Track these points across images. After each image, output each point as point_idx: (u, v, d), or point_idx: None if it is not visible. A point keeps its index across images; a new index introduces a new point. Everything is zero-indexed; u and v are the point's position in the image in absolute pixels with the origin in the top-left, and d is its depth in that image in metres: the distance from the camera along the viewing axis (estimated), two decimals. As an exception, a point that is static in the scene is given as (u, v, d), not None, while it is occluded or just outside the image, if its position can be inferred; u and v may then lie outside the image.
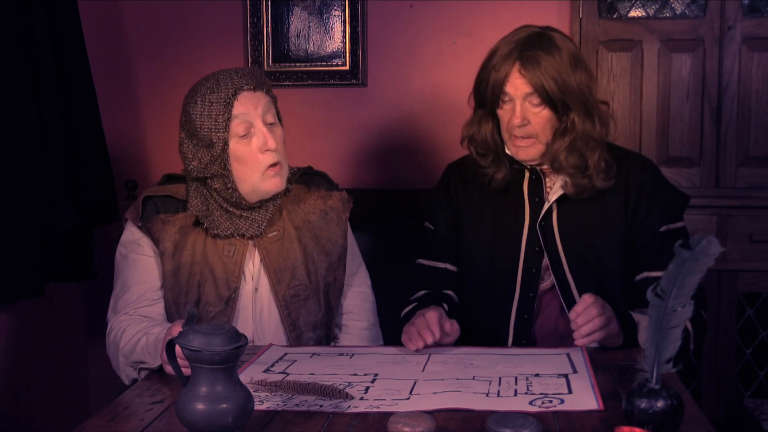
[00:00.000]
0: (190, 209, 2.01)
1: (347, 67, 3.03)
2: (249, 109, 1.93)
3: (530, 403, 1.51)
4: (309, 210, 2.09)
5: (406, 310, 2.07)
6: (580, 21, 2.85)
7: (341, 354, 1.89)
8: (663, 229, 2.01)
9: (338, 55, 3.03)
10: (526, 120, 1.98)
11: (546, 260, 2.04)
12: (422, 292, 2.10)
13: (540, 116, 1.99)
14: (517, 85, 1.97)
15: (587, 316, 1.75)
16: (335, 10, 3.02)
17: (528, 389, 1.58)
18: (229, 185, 1.95)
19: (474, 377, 1.66)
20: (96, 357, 3.10)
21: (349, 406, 1.52)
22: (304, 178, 2.13)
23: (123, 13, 3.12)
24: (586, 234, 2.03)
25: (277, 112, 2.01)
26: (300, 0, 3.03)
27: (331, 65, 3.04)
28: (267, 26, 3.04)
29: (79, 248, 2.77)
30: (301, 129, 2.99)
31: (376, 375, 1.70)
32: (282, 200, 2.05)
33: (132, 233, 2.01)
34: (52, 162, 2.64)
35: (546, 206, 2.05)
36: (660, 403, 1.34)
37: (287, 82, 3.05)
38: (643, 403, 1.35)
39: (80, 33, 2.76)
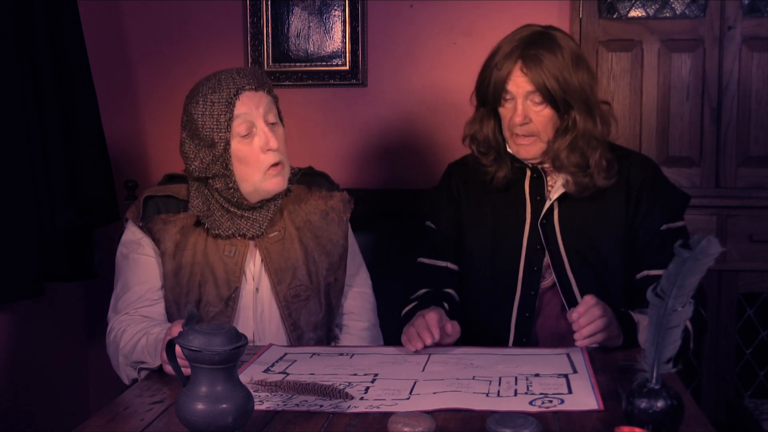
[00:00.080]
0: (191, 209, 2.01)
1: (347, 67, 3.03)
2: (251, 109, 1.93)
3: (530, 403, 1.51)
4: (310, 210, 2.09)
5: (407, 309, 2.07)
6: (580, 21, 2.85)
7: (341, 354, 1.89)
8: (663, 227, 2.02)
9: (338, 55, 3.03)
10: (528, 118, 1.99)
11: (547, 258, 2.04)
12: (423, 291, 2.10)
13: (541, 115, 1.99)
14: (518, 83, 1.97)
15: (590, 317, 1.75)
16: (335, 10, 3.02)
17: (528, 389, 1.58)
18: (230, 185, 1.95)
19: (474, 377, 1.66)
20: (96, 357, 3.10)
21: (349, 406, 1.52)
22: (305, 179, 2.14)
23: (123, 13, 3.12)
24: (588, 232, 2.04)
25: (279, 112, 2.01)
26: (300, 0, 3.03)
27: (331, 65, 3.04)
28: (267, 26, 3.04)
29: (79, 248, 2.77)
30: (301, 129, 2.99)
31: (376, 375, 1.70)
32: (283, 200, 2.05)
33: (133, 233, 2.01)
34: (52, 162, 2.64)
35: (547, 204, 2.06)
36: (660, 403, 1.34)
37: (287, 82, 3.05)
38: (643, 403, 1.35)
39: (80, 33, 2.76)
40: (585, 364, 1.73)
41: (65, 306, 3.05)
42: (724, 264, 2.79)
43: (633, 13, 2.87)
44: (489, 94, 2.02)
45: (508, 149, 2.07)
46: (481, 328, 2.07)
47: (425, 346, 1.84)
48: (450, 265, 2.13)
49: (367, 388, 1.61)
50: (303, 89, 3.06)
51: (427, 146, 3.03)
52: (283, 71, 3.05)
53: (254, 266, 2.02)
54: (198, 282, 1.97)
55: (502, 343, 2.04)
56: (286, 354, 1.87)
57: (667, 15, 2.85)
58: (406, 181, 3.04)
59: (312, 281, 2.05)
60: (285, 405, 1.54)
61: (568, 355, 1.81)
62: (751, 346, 2.85)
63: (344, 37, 3.02)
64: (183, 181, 2.06)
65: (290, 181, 2.02)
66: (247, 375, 1.69)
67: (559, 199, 2.05)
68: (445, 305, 2.01)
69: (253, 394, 1.41)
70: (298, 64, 3.05)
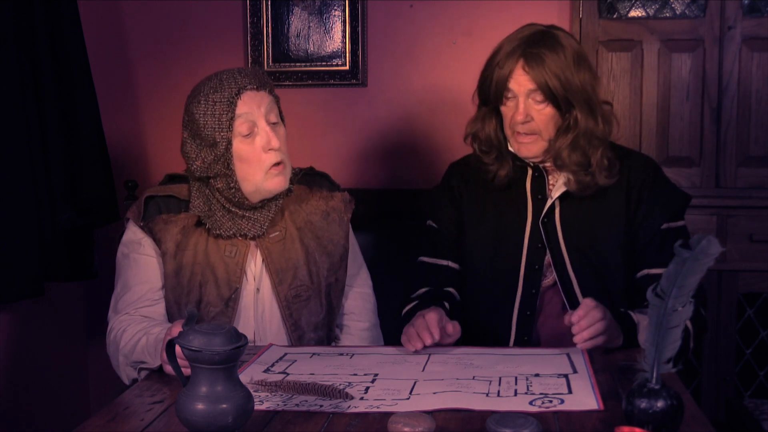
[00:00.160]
0: (192, 209, 2.01)
1: (347, 67, 3.03)
2: (252, 109, 1.93)
3: (530, 403, 1.51)
4: (311, 210, 2.09)
5: (407, 308, 2.07)
6: (580, 21, 2.85)
7: (341, 354, 1.89)
8: (664, 227, 2.02)
9: (338, 55, 3.03)
10: (529, 116, 1.99)
11: (548, 257, 2.05)
12: (423, 290, 2.11)
13: (543, 113, 1.99)
14: (520, 81, 1.97)
15: (590, 319, 1.75)
16: (335, 10, 3.02)
17: (528, 389, 1.58)
18: (232, 185, 1.95)
19: (474, 377, 1.66)
20: (96, 357, 3.10)
21: (349, 406, 1.52)
22: (306, 179, 2.14)
23: (123, 13, 3.12)
24: (589, 231, 2.04)
25: (280, 112, 2.01)
26: (300, 0, 3.03)
27: (331, 65, 3.04)
28: (267, 26, 3.04)
29: (79, 248, 2.77)
30: (301, 129, 2.99)
31: (376, 375, 1.70)
32: (284, 201, 2.05)
33: (134, 233, 2.01)
34: (52, 162, 2.64)
35: (549, 203, 2.06)
36: (660, 403, 1.34)
37: (287, 82, 3.05)
38: (643, 403, 1.35)
39: (80, 33, 2.76)
40: (585, 364, 1.73)
41: (65, 306, 3.05)
42: (724, 264, 2.79)
43: (633, 13, 2.87)
44: (491, 93, 2.02)
45: (510, 148, 2.07)
46: (482, 327, 2.07)
47: (425, 347, 1.84)
48: (451, 263, 2.13)
49: (367, 388, 1.61)
50: (303, 89, 3.06)
51: (427, 146, 3.03)
52: (283, 71, 3.05)
53: (255, 266, 2.02)
54: (199, 282, 1.97)
55: (504, 341, 2.04)
56: (286, 354, 1.87)
57: (667, 15, 2.85)
58: (406, 181, 3.04)
59: (313, 281, 2.05)
60: (285, 405, 1.54)
61: (568, 355, 1.81)
62: (751, 346, 2.85)
63: (344, 37, 3.02)
64: (184, 181, 2.06)
65: (291, 181, 2.02)
66: (247, 375, 1.69)
67: (561, 197, 2.06)
68: (446, 304, 2.01)
69: (253, 394, 1.41)
70: (298, 64, 3.05)
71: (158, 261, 1.99)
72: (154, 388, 1.68)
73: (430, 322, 1.84)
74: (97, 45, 3.01)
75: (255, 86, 1.94)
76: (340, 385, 1.62)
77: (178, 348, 1.46)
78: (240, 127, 1.92)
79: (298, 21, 3.04)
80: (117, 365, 1.94)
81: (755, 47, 2.80)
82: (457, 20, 2.99)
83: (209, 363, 1.30)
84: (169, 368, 1.70)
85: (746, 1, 2.80)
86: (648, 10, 2.86)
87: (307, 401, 1.55)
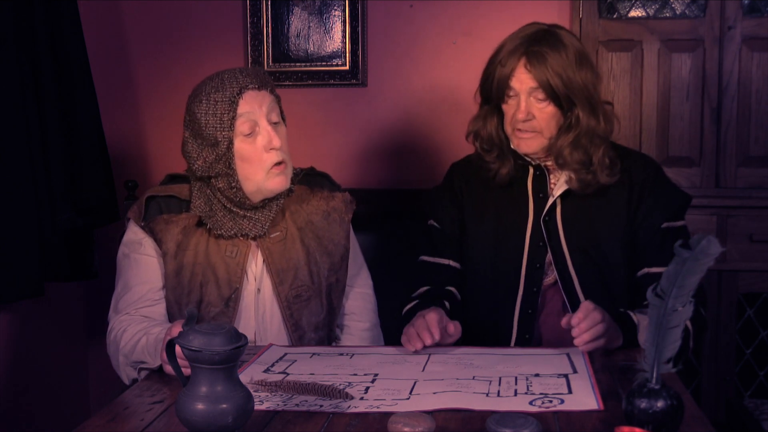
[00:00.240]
0: (193, 209, 2.01)
1: (347, 67, 3.03)
2: (254, 108, 1.93)
3: (530, 403, 1.51)
4: (312, 211, 2.09)
5: (408, 307, 2.08)
6: (580, 21, 2.85)
7: (341, 354, 1.89)
8: (664, 226, 2.02)
9: (338, 55, 3.03)
10: (531, 115, 1.99)
11: (549, 255, 2.05)
12: (424, 289, 2.11)
13: (544, 111, 2.00)
14: (522, 79, 1.98)
15: (590, 322, 1.75)
16: (335, 10, 3.02)
17: (528, 389, 1.58)
18: (233, 184, 1.95)
19: (474, 377, 1.66)
20: (96, 357, 3.10)
21: (349, 406, 1.52)
22: (307, 179, 2.14)
23: (123, 13, 3.12)
24: (590, 229, 2.04)
25: (281, 112, 2.01)
26: (300, 0, 3.03)
27: (331, 65, 3.04)
28: (267, 26, 3.04)
29: (79, 248, 2.77)
30: (301, 129, 2.99)
31: (376, 375, 1.70)
32: (285, 201, 2.05)
33: (134, 233, 2.01)
34: (52, 162, 2.63)
35: (550, 201, 2.06)
36: (660, 403, 1.34)
37: (287, 82, 3.05)
38: (643, 403, 1.35)
39: (80, 33, 2.76)
40: (585, 364, 1.73)
41: (65, 306, 3.05)
42: (724, 264, 2.79)
43: (633, 13, 2.87)
44: (493, 91, 2.03)
45: (512, 146, 2.08)
46: (483, 326, 2.07)
47: (425, 347, 1.84)
48: (452, 262, 2.13)
49: (367, 388, 1.61)
50: (303, 89, 3.06)
51: (427, 146, 3.03)
52: (283, 71, 3.05)
53: (256, 266, 2.02)
54: (199, 282, 1.97)
55: (505, 340, 2.04)
56: (286, 354, 1.87)
57: (667, 15, 2.85)
58: (406, 181, 3.04)
59: (313, 282, 2.05)
60: (285, 405, 1.54)
61: (568, 355, 1.81)
62: (751, 346, 2.85)
63: (344, 37, 3.02)
64: (185, 181, 2.06)
65: (292, 181, 2.02)
66: (247, 375, 1.69)
67: (562, 196, 2.06)
68: (446, 304, 2.01)
69: (253, 394, 1.41)
70: (298, 64, 3.05)
71: (159, 261, 1.99)
72: (154, 388, 1.68)
73: (431, 322, 1.85)
74: (97, 45, 3.01)
75: (256, 86, 1.94)
76: (340, 385, 1.62)
77: (178, 348, 1.46)
78: (241, 126, 1.92)
79: (298, 21, 3.04)
80: (117, 365, 1.94)
81: (755, 47, 2.80)
82: (457, 20, 2.99)
83: (209, 363, 1.30)
84: (169, 368, 1.70)
85: (746, 1, 2.80)
86: (648, 10, 2.86)
87: (307, 401, 1.55)
